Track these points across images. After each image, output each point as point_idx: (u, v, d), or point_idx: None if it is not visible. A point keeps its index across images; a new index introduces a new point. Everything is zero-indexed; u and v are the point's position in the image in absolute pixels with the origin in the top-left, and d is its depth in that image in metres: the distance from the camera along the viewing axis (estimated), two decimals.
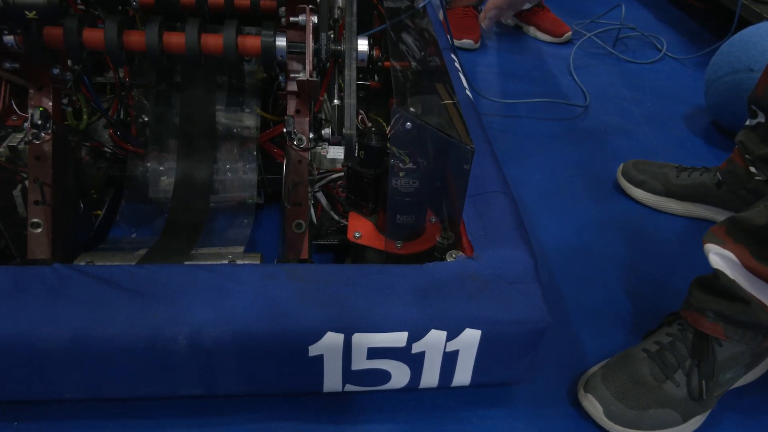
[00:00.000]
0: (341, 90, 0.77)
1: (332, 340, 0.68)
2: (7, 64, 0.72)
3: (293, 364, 0.70)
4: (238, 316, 0.67)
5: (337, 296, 0.70)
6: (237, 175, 0.99)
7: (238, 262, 0.79)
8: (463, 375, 0.75)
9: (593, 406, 0.77)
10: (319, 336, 0.68)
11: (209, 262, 0.77)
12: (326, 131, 0.75)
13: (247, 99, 1.02)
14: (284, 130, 0.79)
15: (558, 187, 1.26)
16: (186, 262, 0.78)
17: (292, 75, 0.77)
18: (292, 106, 0.81)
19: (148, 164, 0.97)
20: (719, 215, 1.18)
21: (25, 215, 0.87)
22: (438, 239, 0.81)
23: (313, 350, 0.69)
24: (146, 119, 0.97)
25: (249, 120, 1.01)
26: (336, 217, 0.94)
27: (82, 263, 0.77)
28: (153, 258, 0.79)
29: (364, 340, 0.69)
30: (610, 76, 1.79)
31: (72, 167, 0.83)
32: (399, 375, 0.74)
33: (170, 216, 0.89)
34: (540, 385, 0.83)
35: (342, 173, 0.91)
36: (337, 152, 0.96)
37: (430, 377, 0.75)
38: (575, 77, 1.73)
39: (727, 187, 1.13)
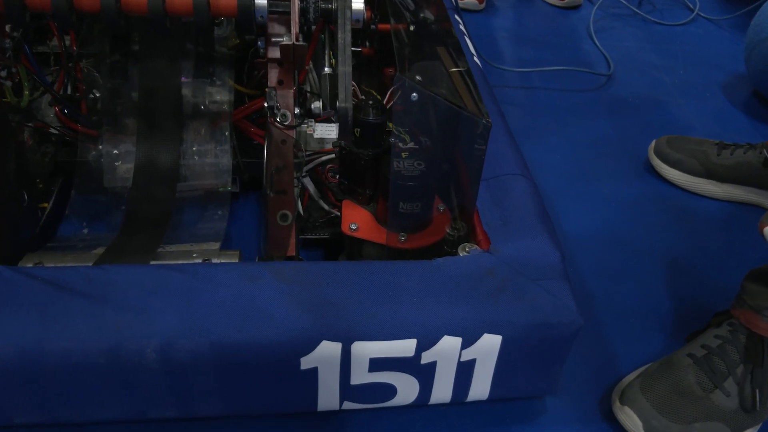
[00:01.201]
0: (333, 56, 0.75)
1: (328, 350, 0.67)
2: None
3: (282, 379, 0.69)
4: (217, 325, 0.66)
5: (333, 299, 0.69)
6: (208, 159, 0.97)
7: (214, 260, 0.78)
8: (480, 388, 0.75)
9: (631, 420, 0.77)
10: (313, 346, 0.67)
11: (180, 262, 0.76)
12: (315, 105, 0.74)
13: (218, 70, 1.00)
14: (264, 104, 0.77)
15: (581, 168, 1.26)
16: (152, 262, 0.76)
17: (273, 39, 0.75)
18: (273, 76, 0.79)
19: (102, 148, 0.95)
20: (767, 199, 1.19)
21: None
22: (448, 230, 0.80)
23: (306, 363, 0.68)
24: (98, 95, 0.95)
25: (221, 94, 0.99)
26: (326, 207, 0.93)
27: (29, 265, 0.75)
28: (112, 257, 0.77)
29: (366, 349, 0.68)
30: (637, 41, 1.79)
31: (13, 152, 0.81)
32: (406, 389, 0.73)
33: (129, 208, 0.87)
34: (568, 398, 0.83)
35: (333, 155, 0.89)
36: (326, 130, 0.95)
37: (442, 391, 0.74)
38: (596, 42, 1.72)
39: None
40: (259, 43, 0.78)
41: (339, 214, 0.90)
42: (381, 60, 1.09)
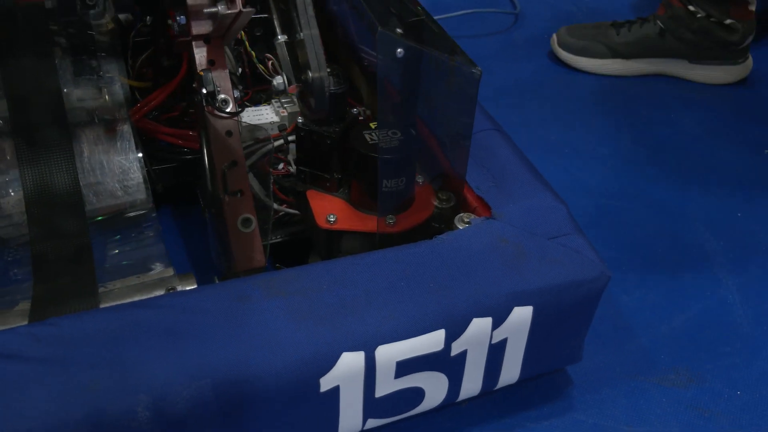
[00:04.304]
0: (287, 20, 0.74)
1: (350, 362, 0.67)
2: None
3: (299, 408, 0.68)
4: (215, 362, 0.63)
5: (342, 303, 0.68)
6: (112, 173, 0.92)
7: (180, 288, 0.74)
8: (511, 371, 0.77)
9: None
10: (332, 362, 0.66)
11: (138, 298, 0.72)
12: (278, 80, 0.72)
13: (104, 63, 0.95)
14: (202, 91, 0.74)
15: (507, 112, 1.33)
16: (103, 305, 0.72)
17: (205, 10, 0.72)
18: (202, 56, 0.77)
19: None
20: (667, 67, 1.43)
21: None
22: (435, 204, 0.82)
23: (326, 383, 0.67)
24: None
25: (113, 93, 0.94)
26: (275, 206, 0.91)
27: None
28: (47, 310, 0.71)
29: (392, 352, 0.68)
30: None
31: None
32: (434, 390, 0.74)
33: (35, 250, 0.81)
34: (590, 362, 0.87)
35: (276, 140, 0.88)
36: (255, 115, 0.93)
37: (472, 383, 0.76)
38: None
39: (671, 33, 1.38)
40: (178, 18, 0.75)
41: (290, 211, 0.89)
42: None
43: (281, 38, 0.73)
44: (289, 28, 0.72)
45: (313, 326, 0.66)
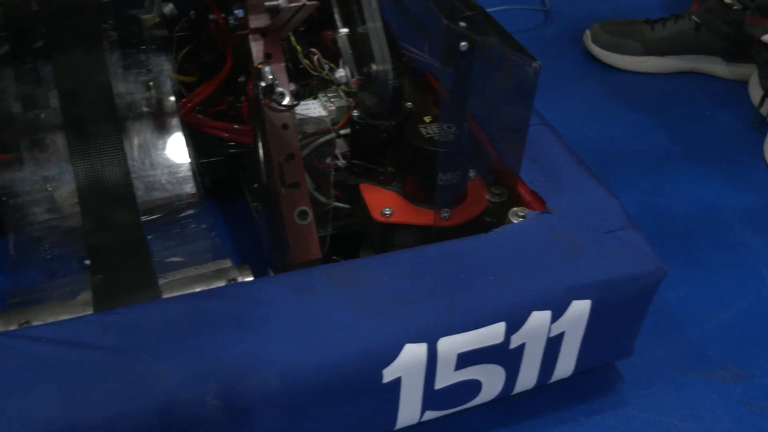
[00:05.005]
0: (348, 13, 0.74)
1: (412, 354, 0.67)
2: None
3: (361, 399, 0.68)
4: (283, 351, 0.64)
5: (403, 295, 0.69)
6: (161, 166, 0.93)
7: (240, 280, 0.75)
8: (566, 364, 0.78)
9: None
10: (395, 353, 0.67)
11: (198, 289, 0.73)
12: (340, 73, 0.73)
13: (152, 57, 0.96)
14: (260, 84, 0.75)
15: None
16: (167, 295, 0.72)
17: (266, 3, 0.73)
18: (258, 50, 0.77)
19: (24, 174, 0.89)
20: (702, 64, 1.44)
21: None
22: (488, 198, 0.83)
23: (389, 374, 0.68)
24: (8, 107, 0.88)
25: (161, 87, 0.95)
26: (322, 199, 0.92)
27: (14, 327, 0.69)
28: (109, 300, 0.72)
29: (453, 344, 0.69)
30: None
31: None
32: (491, 383, 0.75)
33: (90, 242, 0.82)
34: (639, 357, 0.88)
35: (327, 135, 0.89)
36: (302, 110, 0.94)
37: (528, 376, 0.76)
38: None
39: (706, 27, 1.38)
40: (236, 11, 0.76)
41: (339, 204, 0.90)
42: (319, 23, 1.08)
43: (343, 31, 0.74)
44: (351, 21, 0.73)
45: (376, 317, 0.67)
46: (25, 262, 0.85)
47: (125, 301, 0.71)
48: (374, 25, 0.68)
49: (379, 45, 0.67)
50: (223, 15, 0.96)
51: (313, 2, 0.69)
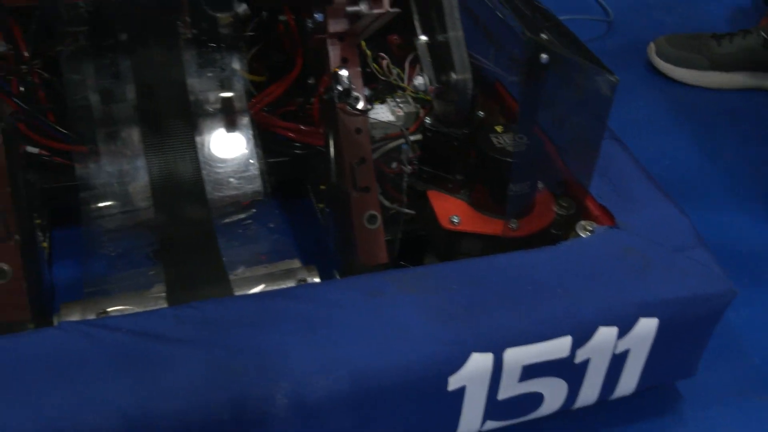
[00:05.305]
0: (426, 22, 0.75)
1: (479, 363, 0.68)
2: None
3: (424, 405, 0.69)
4: (354, 353, 0.65)
5: (472, 304, 0.70)
6: (230, 164, 0.95)
7: (309, 280, 0.76)
8: (628, 382, 0.77)
9: None
10: (462, 361, 0.67)
11: (273, 288, 0.74)
12: (418, 81, 0.74)
13: (225, 55, 0.97)
14: (337, 88, 0.76)
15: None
16: (238, 292, 0.74)
17: (348, 9, 0.74)
18: (335, 54, 0.79)
19: (99, 166, 0.91)
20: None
21: None
22: (556, 210, 0.83)
23: (454, 381, 0.68)
24: (87, 99, 0.91)
25: (234, 85, 0.97)
26: (386, 203, 0.92)
27: (92, 316, 0.71)
28: (183, 294, 0.74)
29: (519, 356, 0.69)
30: None
31: (22, 183, 0.76)
32: (553, 396, 0.75)
33: (163, 236, 0.84)
34: (700, 378, 0.87)
35: (396, 140, 0.89)
36: (371, 114, 0.95)
37: (590, 392, 0.76)
38: None
39: None
40: (316, 15, 0.77)
41: (404, 210, 0.90)
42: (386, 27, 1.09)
43: (422, 38, 0.74)
44: (430, 29, 0.73)
45: (444, 324, 0.68)
46: (96, 252, 0.87)
47: (198, 296, 0.72)
48: (455, 34, 0.68)
49: (459, 54, 0.68)
50: (294, 17, 0.98)
51: (395, 10, 0.70)
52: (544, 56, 0.67)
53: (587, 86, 0.72)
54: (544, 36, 0.68)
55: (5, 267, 0.70)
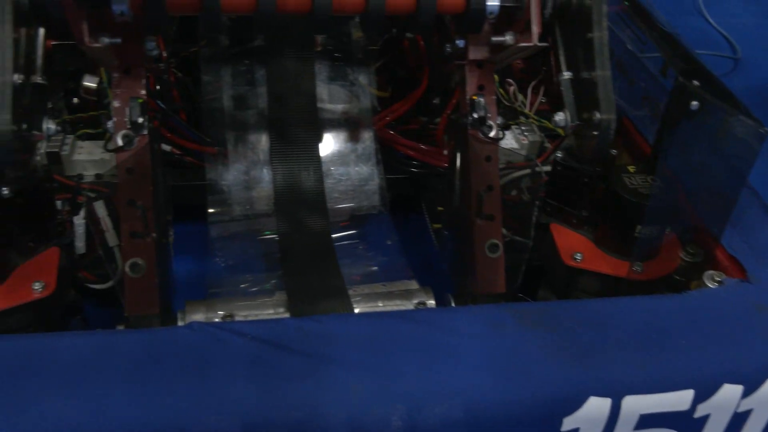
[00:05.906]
0: (572, 58, 0.75)
1: (596, 407, 0.67)
2: (106, 39, 0.68)
3: None
4: (470, 383, 0.65)
5: (593, 346, 0.69)
6: (351, 177, 0.97)
7: (427, 302, 0.77)
8: None
9: None
10: (579, 403, 0.66)
11: (392, 308, 0.75)
12: (559, 116, 0.73)
13: (355, 70, 0.99)
14: (473, 115, 0.77)
15: None
16: (358, 309, 0.75)
17: (493, 38, 0.74)
18: (473, 81, 0.79)
19: (227, 169, 0.94)
20: None
21: (83, 251, 0.83)
22: (682, 256, 0.81)
23: (569, 423, 0.67)
24: (221, 102, 0.94)
25: (361, 100, 0.98)
26: (503, 231, 0.92)
27: (217, 319, 0.74)
28: (305, 305, 0.76)
29: (637, 404, 0.68)
30: (754, 16, 1.81)
31: (161, 181, 0.80)
32: None
33: (283, 244, 0.86)
34: None
35: (522, 170, 0.89)
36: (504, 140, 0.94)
37: None
38: (709, 18, 1.74)
39: None
40: (458, 41, 0.78)
41: (520, 239, 0.90)
42: None
43: (566, 74, 0.74)
44: (575, 64, 0.73)
45: (563, 364, 0.67)
46: (218, 253, 0.90)
47: (319, 308, 0.74)
48: (604, 74, 0.68)
49: (606, 94, 0.67)
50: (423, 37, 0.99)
51: (543, 44, 0.70)
52: (694, 103, 0.66)
53: (734, 135, 0.70)
54: (696, 83, 0.66)
55: (141, 262, 0.73)
